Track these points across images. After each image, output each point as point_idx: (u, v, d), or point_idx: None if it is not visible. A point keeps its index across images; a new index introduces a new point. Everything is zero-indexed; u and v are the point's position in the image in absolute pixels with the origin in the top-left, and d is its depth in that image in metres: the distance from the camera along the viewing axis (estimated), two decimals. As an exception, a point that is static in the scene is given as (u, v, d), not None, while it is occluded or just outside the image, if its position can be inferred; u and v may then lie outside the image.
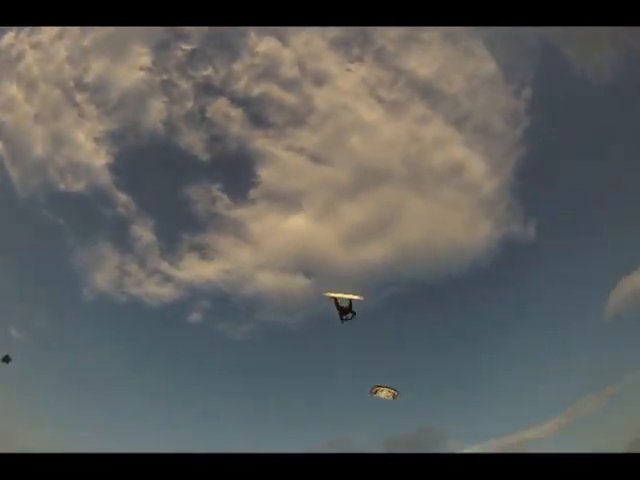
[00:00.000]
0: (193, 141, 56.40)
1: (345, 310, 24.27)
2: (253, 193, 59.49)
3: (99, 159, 56.93)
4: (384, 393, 25.88)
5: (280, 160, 59.65)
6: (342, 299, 24.43)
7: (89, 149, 57.83)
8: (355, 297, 24.03)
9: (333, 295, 24.91)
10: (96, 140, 57.06)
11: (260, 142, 58.87)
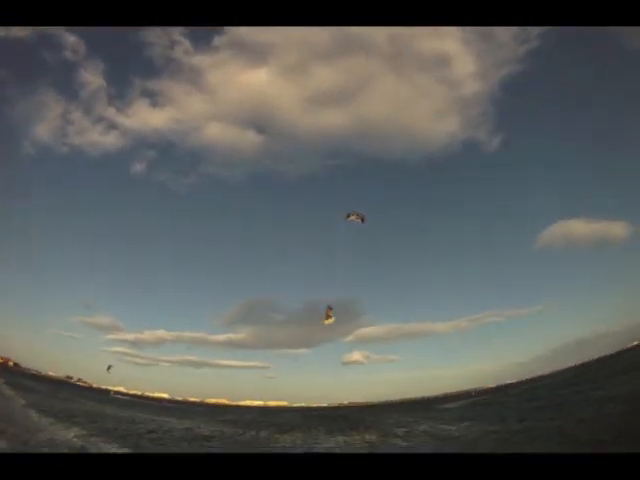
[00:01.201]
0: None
1: None
2: (218, 40, 56.00)
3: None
4: (354, 217, 32.91)
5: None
6: None
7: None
8: None
9: None
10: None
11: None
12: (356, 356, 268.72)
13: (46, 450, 16.44)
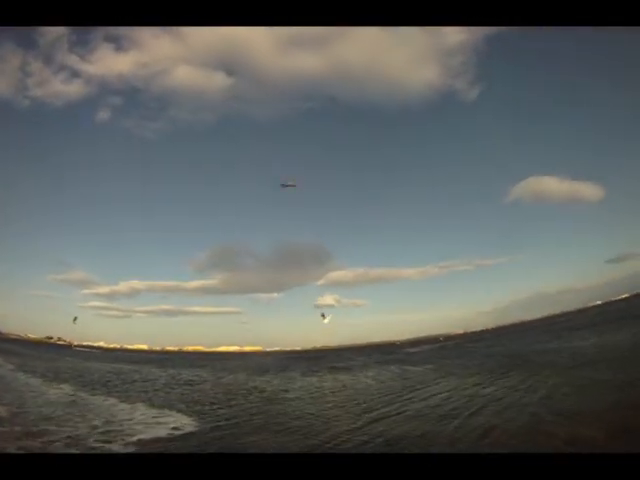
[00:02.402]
0: None
1: None
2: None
3: None
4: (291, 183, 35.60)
5: None
6: None
7: None
8: None
9: None
10: None
11: None
12: (327, 300, 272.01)
13: (43, 410, 18.08)
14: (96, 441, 12.07)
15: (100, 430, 13.53)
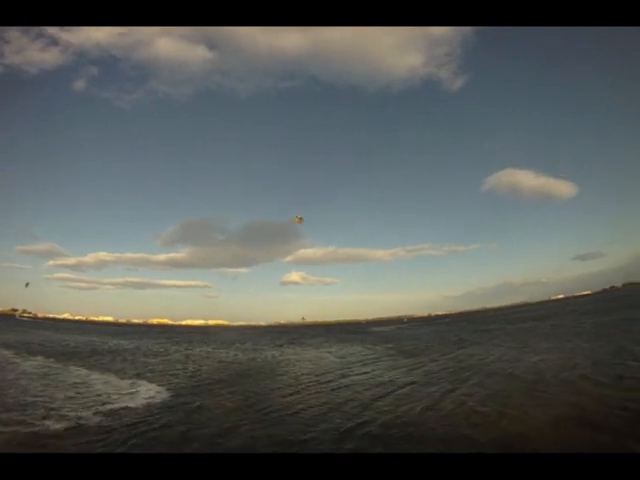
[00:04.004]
0: None
1: None
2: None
3: None
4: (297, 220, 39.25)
5: None
6: None
7: None
8: None
9: None
10: None
11: None
12: (294, 277, 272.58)
13: (13, 377, 18.41)
14: (71, 410, 12.28)
15: (75, 401, 13.68)
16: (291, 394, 15.13)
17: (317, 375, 19.92)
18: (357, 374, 19.79)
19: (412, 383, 16.15)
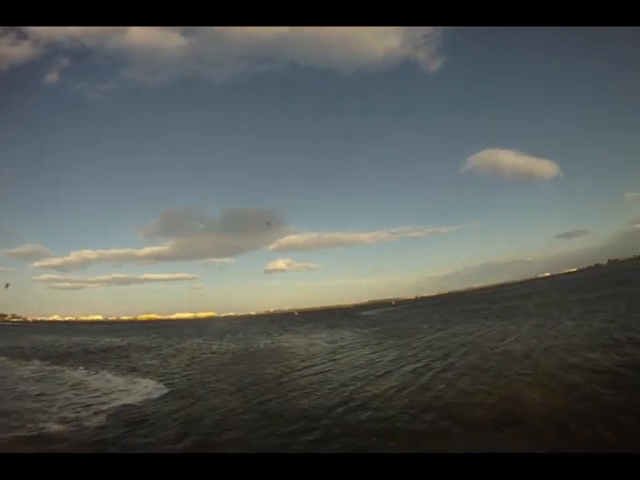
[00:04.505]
0: None
1: None
2: None
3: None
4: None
5: None
6: None
7: None
8: None
9: None
10: None
11: None
12: (280, 264, 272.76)
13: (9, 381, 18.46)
14: (71, 411, 12.44)
15: (75, 401, 13.83)
16: (287, 381, 15.51)
17: (303, 360, 20.55)
18: (346, 357, 20.38)
19: (399, 364, 16.76)
